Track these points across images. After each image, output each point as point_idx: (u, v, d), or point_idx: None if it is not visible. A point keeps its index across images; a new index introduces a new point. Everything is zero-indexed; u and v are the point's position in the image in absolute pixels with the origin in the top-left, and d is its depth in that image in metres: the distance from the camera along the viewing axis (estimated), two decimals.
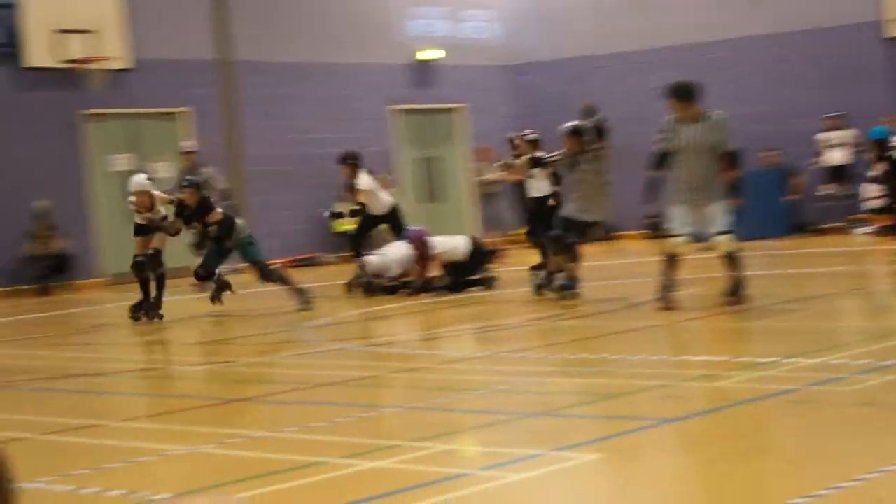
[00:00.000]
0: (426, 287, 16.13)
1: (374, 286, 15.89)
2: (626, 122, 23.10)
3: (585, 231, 14.16)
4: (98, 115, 21.31)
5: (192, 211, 14.88)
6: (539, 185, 16.07)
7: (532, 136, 16.71)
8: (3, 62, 20.18)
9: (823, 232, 22.66)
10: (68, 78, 20.56)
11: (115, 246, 18.73)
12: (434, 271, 16.26)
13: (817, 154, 23.27)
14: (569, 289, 13.93)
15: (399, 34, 25.67)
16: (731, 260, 11.79)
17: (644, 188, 12.31)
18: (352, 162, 16.28)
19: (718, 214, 11.65)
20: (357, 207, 16.88)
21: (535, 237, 16.02)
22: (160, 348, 13.96)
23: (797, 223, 22.85)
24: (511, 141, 17.40)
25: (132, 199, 14.05)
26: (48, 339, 14.28)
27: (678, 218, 11.89)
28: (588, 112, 14.05)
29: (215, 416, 9.46)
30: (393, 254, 15.80)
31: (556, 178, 16.14)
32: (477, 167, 25.04)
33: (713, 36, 24.08)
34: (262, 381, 11.07)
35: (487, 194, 24.35)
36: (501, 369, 10.48)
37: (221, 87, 22.84)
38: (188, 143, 19.14)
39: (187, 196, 15.09)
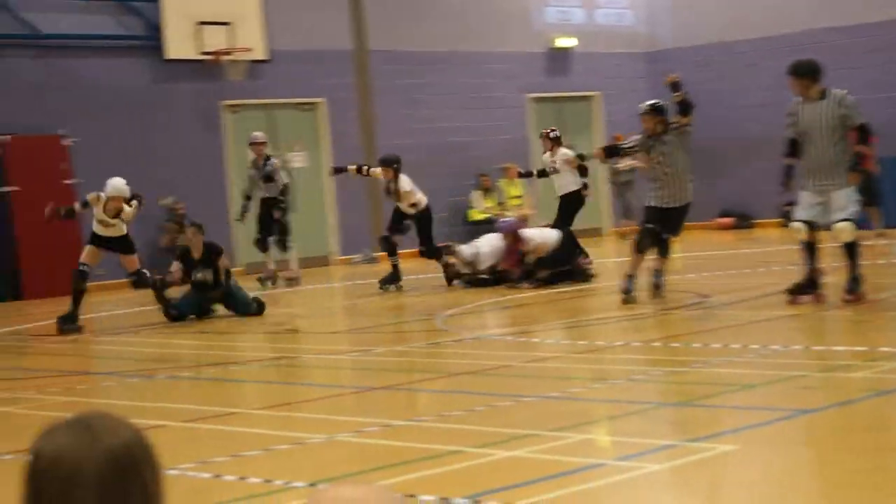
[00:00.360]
0: (523, 278, 15.90)
1: (471, 278, 15.83)
2: (760, 109, 23.28)
3: (675, 221, 13.44)
4: (236, 105, 21.60)
5: (199, 259, 14.31)
6: (570, 180, 15.95)
7: (554, 134, 16.39)
8: (145, 54, 20.50)
9: None
10: (207, 69, 20.77)
11: (249, 236, 18.67)
12: (526, 262, 15.97)
13: None
14: (657, 287, 13.33)
15: (535, 22, 25.52)
16: (851, 250, 11.36)
17: (780, 175, 11.94)
18: (395, 166, 15.91)
19: (844, 201, 11.26)
20: (410, 210, 16.21)
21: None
22: (294, 338, 13.87)
23: None
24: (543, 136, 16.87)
25: (105, 201, 13.23)
26: (185, 327, 14.28)
27: (802, 204, 11.54)
28: (674, 87, 13.37)
29: (352, 405, 9.48)
30: (485, 245, 15.78)
31: (583, 171, 16.13)
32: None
33: (854, 19, 23.14)
34: (398, 370, 11.10)
35: (621, 183, 23.94)
36: (633, 358, 10.58)
37: (357, 76, 22.95)
38: (258, 135, 18.44)
39: (190, 235, 14.68)
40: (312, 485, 6.10)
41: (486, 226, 19.28)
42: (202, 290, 14.22)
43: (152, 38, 20.43)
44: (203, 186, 21.16)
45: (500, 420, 8.10)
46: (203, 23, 20.49)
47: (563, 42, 25.57)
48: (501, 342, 12.45)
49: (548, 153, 16.68)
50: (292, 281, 18.27)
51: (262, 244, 17.61)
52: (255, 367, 11.86)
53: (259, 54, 21.17)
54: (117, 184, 13.45)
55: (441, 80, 23.92)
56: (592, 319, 14.10)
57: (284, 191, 18.06)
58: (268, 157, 18.05)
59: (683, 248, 19.03)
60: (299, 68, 21.88)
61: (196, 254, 14.37)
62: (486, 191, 23.20)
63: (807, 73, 11.45)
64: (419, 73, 23.60)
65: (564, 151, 16.55)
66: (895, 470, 6.20)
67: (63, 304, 15.09)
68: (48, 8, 19.75)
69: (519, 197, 22.32)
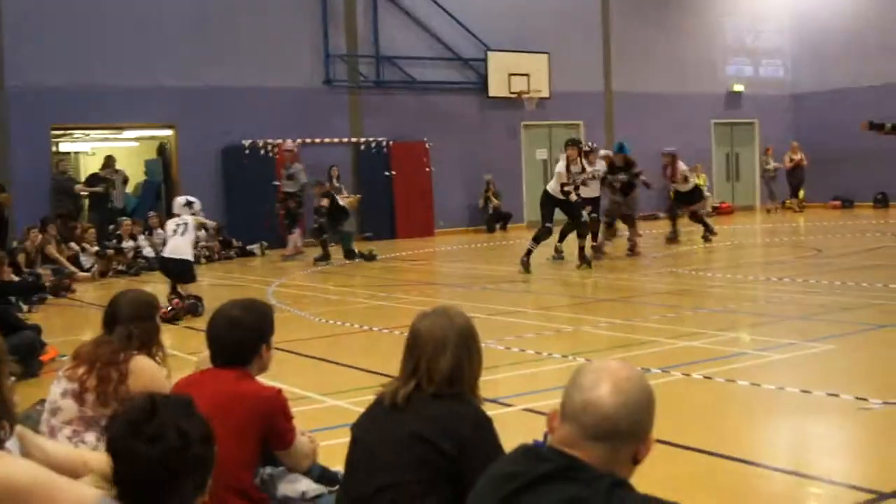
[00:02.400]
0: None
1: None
2: (864, 134, 24.57)
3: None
4: (529, 125, 24.39)
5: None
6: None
7: (587, 147, 15.58)
8: (477, 93, 23.43)
9: None
10: (513, 103, 23.55)
11: (534, 202, 17.59)
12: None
13: None
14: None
15: (719, 74, 27.83)
16: None
17: None
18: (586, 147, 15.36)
19: None
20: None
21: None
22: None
23: None
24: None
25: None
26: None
27: None
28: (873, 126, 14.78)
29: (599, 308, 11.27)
30: None
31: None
32: (763, 159, 26.25)
33: None
34: (624, 290, 12.29)
35: (769, 177, 26.02)
36: (774, 288, 11.54)
37: (606, 109, 25.67)
38: (289, 144, 18.49)
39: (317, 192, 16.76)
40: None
41: None
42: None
43: (481, 83, 23.42)
44: (508, 173, 23.66)
45: (682, 323, 9.13)
46: (512, 74, 23.40)
47: (737, 87, 28.02)
48: (686, 274, 13.26)
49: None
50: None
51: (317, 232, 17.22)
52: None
53: (545, 94, 23.94)
54: (181, 201, 11.98)
55: (660, 112, 25.47)
56: (743, 262, 14.73)
57: (304, 188, 17.94)
58: (292, 162, 17.96)
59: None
60: (568, 102, 24.36)
61: None
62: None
63: None
64: (645, 107, 25.36)
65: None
66: None
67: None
68: (420, 65, 22.64)
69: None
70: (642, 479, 3.54)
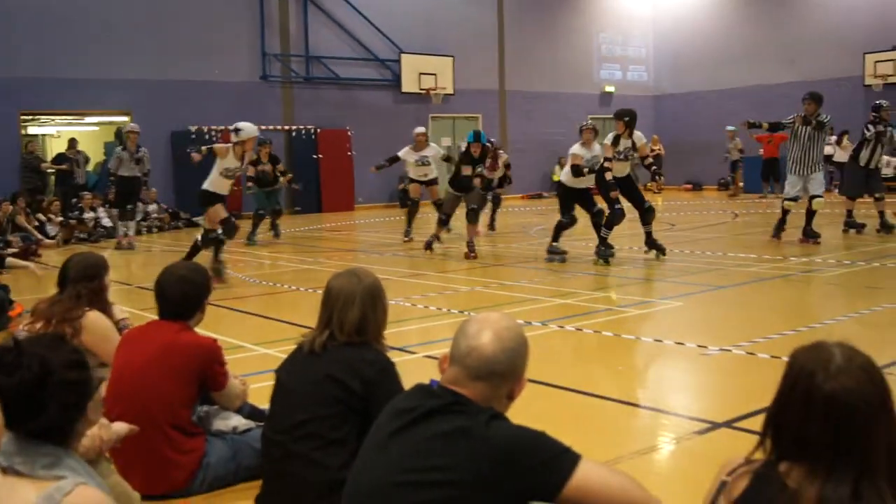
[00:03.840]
0: None
1: None
2: (716, 129, 24.64)
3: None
4: (436, 117, 24.29)
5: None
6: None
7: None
8: (392, 89, 23.32)
9: None
10: (423, 98, 23.66)
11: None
12: None
13: None
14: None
15: (594, 77, 27.94)
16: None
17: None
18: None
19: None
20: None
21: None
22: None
23: None
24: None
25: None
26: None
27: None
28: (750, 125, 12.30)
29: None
30: None
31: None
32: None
33: (780, 79, 24.69)
34: (513, 257, 11.72)
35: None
36: (636, 256, 11.29)
37: (500, 104, 25.64)
38: (132, 126, 15.18)
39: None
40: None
41: None
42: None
43: (395, 80, 23.27)
44: None
45: (563, 284, 9.16)
46: (421, 73, 23.48)
47: (609, 88, 28.08)
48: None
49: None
50: None
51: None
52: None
53: (450, 91, 23.98)
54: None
55: (543, 107, 25.95)
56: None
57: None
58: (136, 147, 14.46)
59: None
60: (469, 99, 24.57)
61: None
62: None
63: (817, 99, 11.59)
64: (521, 104, 25.61)
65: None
66: (762, 316, 7.21)
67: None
68: (344, 64, 22.43)
69: None
70: (524, 413, 3.59)
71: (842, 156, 22.98)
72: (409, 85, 23.58)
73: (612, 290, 9.02)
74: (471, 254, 11.31)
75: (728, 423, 4.52)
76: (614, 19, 28.43)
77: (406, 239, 13.67)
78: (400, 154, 13.78)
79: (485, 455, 2.14)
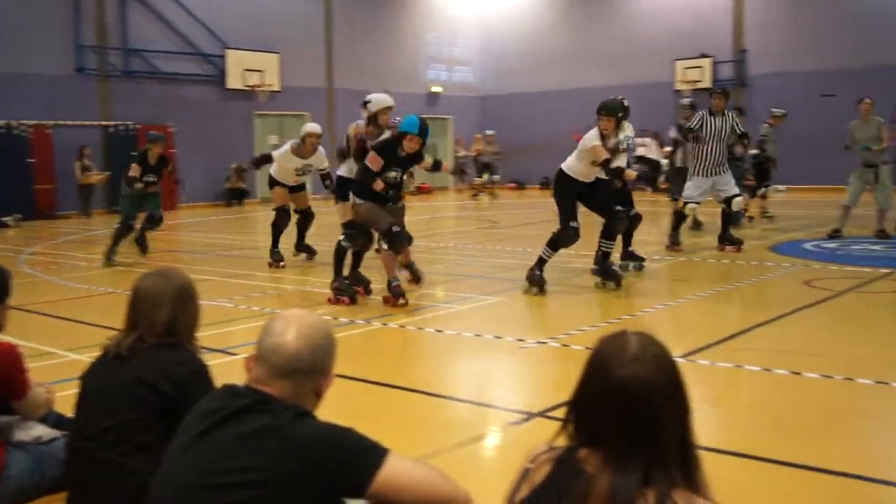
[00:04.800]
0: None
1: None
2: (541, 131, 25.65)
3: None
4: (262, 114, 23.83)
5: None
6: None
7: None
8: (216, 85, 22.77)
9: None
10: (248, 95, 23.16)
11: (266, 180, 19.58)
12: None
13: None
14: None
15: (421, 77, 28.05)
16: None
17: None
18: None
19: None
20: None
21: None
22: None
23: None
24: None
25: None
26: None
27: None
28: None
29: None
30: None
31: None
32: (455, 148, 26.44)
33: (599, 83, 24.66)
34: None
35: (459, 163, 25.05)
36: (460, 253, 11.73)
37: (327, 103, 24.96)
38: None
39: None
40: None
41: None
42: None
43: (219, 76, 22.77)
44: (243, 156, 21.41)
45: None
46: (247, 69, 23.04)
47: (435, 88, 28.34)
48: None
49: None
50: None
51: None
52: None
53: (276, 88, 23.59)
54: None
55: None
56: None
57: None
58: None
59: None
60: (297, 96, 24.14)
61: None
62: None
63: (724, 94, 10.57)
64: (355, 101, 26.11)
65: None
66: (596, 304, 7.78)
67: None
68: (165, 58, 21.70)
69: None
70: (344, 410, 3.56)
71: (657, 154, 24.20)
72: (233, 81, 23.09)
73: (435, 288, 9.08)
74: (399, 299, 7.80)
75: (543, 413, 4.66)
76: (442, 20, 28.73)
77: (277, 263, 10.63)
78: (275, 155, 10.69)
79: (291, 453, 2.13)
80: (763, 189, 14.90)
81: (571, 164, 8.40)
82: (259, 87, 23.29)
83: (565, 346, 6.14)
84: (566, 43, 27.07)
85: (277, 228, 10.66)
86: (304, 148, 10.40)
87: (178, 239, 15.78)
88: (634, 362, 1.81)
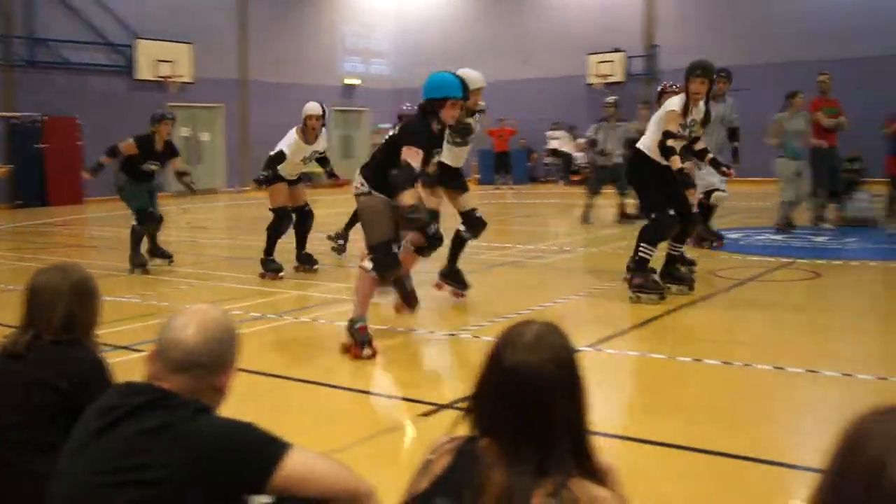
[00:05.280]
0: None
1: None
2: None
3: None
4: (174, 106, 21.79)
5: None
6: None
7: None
8: (125, 76, 22.27)
9: None
10: (159, 85, 22.67)
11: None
12: None
13: None
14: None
15: (338, 69, 27.89)
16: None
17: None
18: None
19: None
20: None
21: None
22: None
23: None
24: None
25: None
26: None
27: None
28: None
29: None
30: None
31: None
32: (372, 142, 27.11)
33: (517, 76, 25.47)
34: (249, 249, 11.69)
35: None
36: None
37: (242, 96, 24.71)
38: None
39: None
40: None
41: None
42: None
43: (129, 67, 22.32)
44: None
45: (305, 276, 8.88)
46: (158, 60, 22.57)
47: (352, 81, 28.26)
48: None
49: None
50: None
51: None
52: None
53: (189, 79, 23.19)
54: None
55: (286, 99, 23.66)
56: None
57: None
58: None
59: None
60: (209, 87, 23.80)
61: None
62: None
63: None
64: (276, 93, 24.57)
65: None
66: (508, 295, 6.89)
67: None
68: (73, 47, 21.18)
69: None
70: (256, 405, 3.50)
71: (570, 147, 24.54)
72: (144, 72, 22.58)
73: (354, 280, 9.03)
74: (363, 348, 5.86)
75: (452, 405, 4.70)
76: (359, 12, 28.63)
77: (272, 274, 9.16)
78: (284, 148, 9.00)
79: (190, 450, 2.11)
80: None
81: (648, 142, 7.24)
82: (170, 78, 22.85)
83: (476, 337, 6.17)
84: (482, 36, 27.16)
85: (277, 234, 8.99)
86: (308, 132, 8.99)
87: (84, 233, 15.41)
88: (526, 350, 1.82)
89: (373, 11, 29.13)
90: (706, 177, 9.75)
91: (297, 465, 2.17)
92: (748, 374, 5.27)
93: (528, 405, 1.79)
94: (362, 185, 5.79)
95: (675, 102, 7.12)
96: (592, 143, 13.71)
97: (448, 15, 28.45)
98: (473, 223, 7.26)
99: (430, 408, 4.76)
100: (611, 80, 25.24)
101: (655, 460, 3.95)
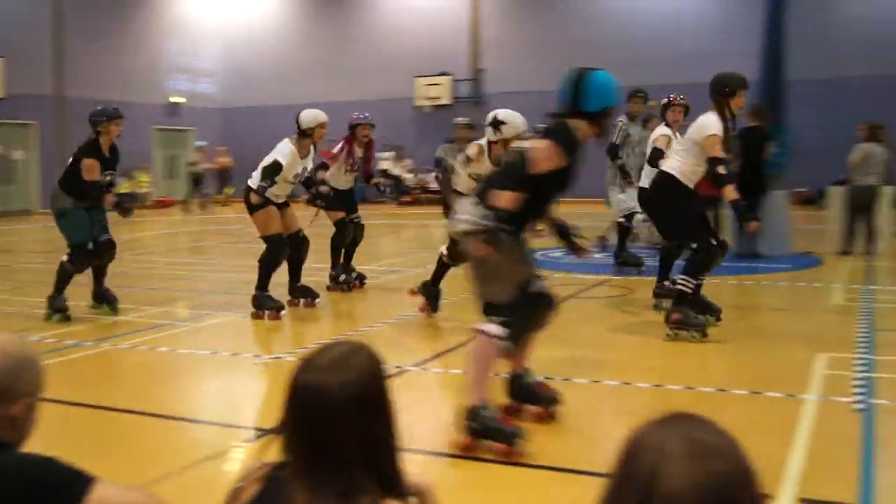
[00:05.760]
0: None
1: None
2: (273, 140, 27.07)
3: None
4: None
5: None
6: None
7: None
8: None
9: None
10: None
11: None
12: None
13: None
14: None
15: (163, 87, 27.45)
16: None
17: None
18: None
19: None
20: None
21: None
22: None
23: None
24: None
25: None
26: None
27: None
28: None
29: None
30: None
31: None
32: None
33: (343, 98, 24.41)
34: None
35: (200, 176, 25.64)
36: (199, 268, 11.60)
37: (58, 113, 23.58)
38: None
39: None
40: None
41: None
42: None
43: None
44: None
45: (124, 300, 8.10)
46: None
47: (178, 99, 27.90)
48: None
49: None
50: None
51: None
52: None
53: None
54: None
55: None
56: None
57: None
58: None
59: None
60: (22, 104, 22.90)
61: None
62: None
63: None
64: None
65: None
66: (327, 318, 8.11)
67: None
68: None
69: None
70: (69, 438, 3.33)
71: (399, 169, 24.76)
72: None
73: (172, 305, 8.82)
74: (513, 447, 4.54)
75: (271, 430, 4.59)
76: (184, 29, 28.18)
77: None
78: (280, 159, 7.77)
79: None
80: None
81: (678, 165, 6.60)
82: None
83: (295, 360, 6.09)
84: (310, 56, 27.53)
85: (274, 265, 7.87)
86: (305, 146, 7.91)
87: None
88: (323, 371, 1.79)
89: (199, 28, 28.67)
90: (626, 201, 9.77)
91: (104, 499, 2.09)
92: (567, 388, 5.45)
93: (320, 427, 1.77)
94: (476, 217, 4.26)
95: (713, 125, 6.40)
96: (438, 163, 13.39)
97: (274, 34, 28.50)
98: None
99: (255, 433, 4.70)
100: (438, 102, 25.68)
101: (482, 475, 4.02)
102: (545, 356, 5.51)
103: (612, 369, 5.92)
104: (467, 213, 4.27)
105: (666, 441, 1.22)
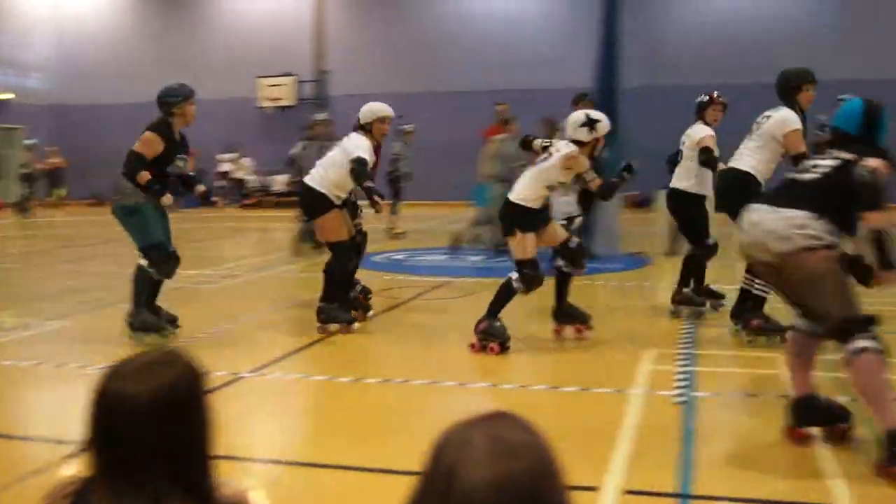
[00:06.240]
0: None
1: None
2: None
3: None
4: None
5: None
6: None
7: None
8: None
9: None
10: None
11: None
12: None
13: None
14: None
15: None
16: None
17: None
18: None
19: None
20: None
21: None
22: None
23: None
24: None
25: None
26: None
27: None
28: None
29: None
30: None
31: None
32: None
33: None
34: None
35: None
36: (22, 275, 11.30)
37: None
38: None
39: None
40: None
41: None
42: None
43: None
44: None
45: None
46: None
47: (5, 95, 26.14)
48: None
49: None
50: None
51: None
52: None
53: None
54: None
55: None
56: None
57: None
58: None
59: None
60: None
61: None
62: None
63: None
64: None
65: None
66: (200, 317, 8.09)
67: None
68: None
69: None
70: None
71: (244, 172, 24.34)
72: None
73: (2, 313, 8.38)
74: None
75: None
76: (11, 19, 26.74)
77: None
78: (365, 155, 6.93)
79: None
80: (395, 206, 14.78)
81: (756, 163, 6.59)
82: None
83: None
84: (149, 53, 26.43)
85: (345, 275, 7.22)
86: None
87: None
88: (120, 377, 1.73)
89: (28, 18, 27.24)
90: (565, 206, 9.63)
91: None
92: (404, 389, 5.49)
93: (120, 437, 1.70)
94: (816, 232, 4.02)
95: (792, 120, 6.37)
96: (291, 162, 12.92)
97: (110, 27, 27.27)
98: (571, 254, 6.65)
99: (76, 448, 4.49)
100: (281, 104, 25.42)
101: (307, 481, 4.02)
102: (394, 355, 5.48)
103: (450, 371, 5.97)
104: (794, 226, 3.98)
105: (468, 440, 1.25)
